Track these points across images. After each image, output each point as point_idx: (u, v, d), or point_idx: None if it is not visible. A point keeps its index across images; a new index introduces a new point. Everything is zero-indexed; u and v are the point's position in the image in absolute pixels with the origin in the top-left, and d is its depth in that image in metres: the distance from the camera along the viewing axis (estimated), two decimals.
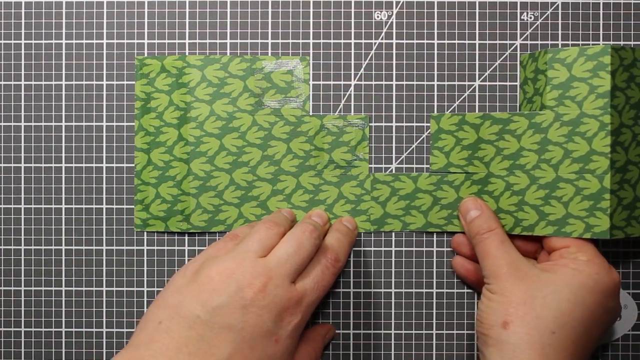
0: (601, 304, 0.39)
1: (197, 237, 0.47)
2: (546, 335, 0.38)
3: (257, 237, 0.39)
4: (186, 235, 0.47)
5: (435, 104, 0.46)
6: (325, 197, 0.45)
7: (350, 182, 0.46)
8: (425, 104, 0.46)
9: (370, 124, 0.46)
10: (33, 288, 0.47)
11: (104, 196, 0.47)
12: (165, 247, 0.47)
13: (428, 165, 0.46)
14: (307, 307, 0.38)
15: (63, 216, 0.47)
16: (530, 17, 0.47)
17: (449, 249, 0.47)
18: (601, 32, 0.46)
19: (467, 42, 0.47)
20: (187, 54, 0.47)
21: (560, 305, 0.38)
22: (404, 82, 0.47)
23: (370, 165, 0.46)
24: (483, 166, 0.44)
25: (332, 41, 0.47)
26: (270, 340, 0.37)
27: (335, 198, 0.46)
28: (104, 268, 0.47)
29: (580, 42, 0.47)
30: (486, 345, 0.39)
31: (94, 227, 0.47)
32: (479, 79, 0.46)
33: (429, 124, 0.46)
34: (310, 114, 0.46)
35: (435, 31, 0.47)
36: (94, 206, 0.47)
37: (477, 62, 0.47)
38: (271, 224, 0.40)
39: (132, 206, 0.46)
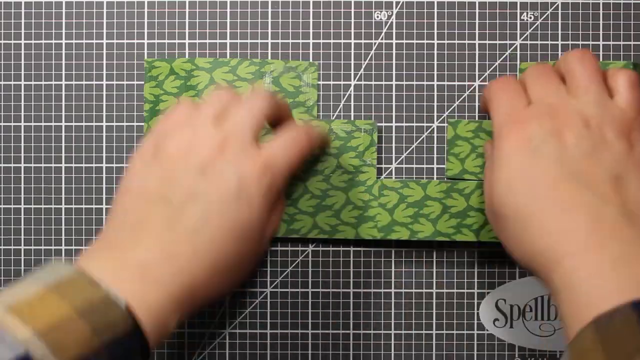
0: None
1: None
2: None
3: (212, 102, 0.38)
4: None
5: (435, 104, 0.46)
6: (332, 202, 0.45)
7: (359, 188, 0.45)
8: (425, 104, 0.46)
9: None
10: None
11: (104, 196, 0.47)
12: None
13: (429, 166, 0.46)
14: (279, 170, 0.37)
15: (63, 216, 0.47)
16: (530, 17, 0.47)
17: (449, 248, 0.47)
18: (601, 32, 0.46)
19: (467, 42, 0.47)
20: (187, 54, 0.47)
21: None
22: (404, 82, 0.47)
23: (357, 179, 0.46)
24: None
25: (332, 41, 0.47)
26: (240, 203, 0.35)
27: (342, 203, 0.45)
28: None
29: (580, 43, 0.47)
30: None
31: (94, 227, 0.47)
32: (479, 79, 0.46)
33: (429, 124, 0.46)
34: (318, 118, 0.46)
35: (435, 31, 0.47)
36: (94, 206, 0.47)
37: (477, 62, 0.47)
38: (226, 89, 0.39)
39: None
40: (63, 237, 0.47)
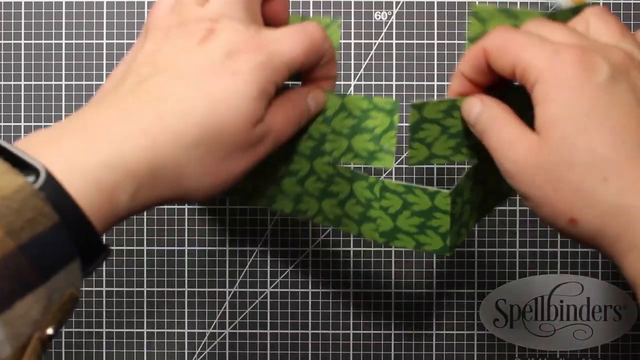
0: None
1: (197, 237, 0.47)
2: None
3: None
4: (186, 235, 0.47)
5: None
6: (337, 190, 0.39)
7: (361, 183, 0.39)
8: None
9: None
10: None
11: None
12: (165, 247, 0.47)
13: (429, 166, 0.46)
14: (279, 56, 0.31)
15: None
16: None
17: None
18: None
19: (467, 42, 0.46)
20: None
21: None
22: (404, 82, 0.47)
23: (369, 166, 0.44)
24: (472, 153, 0.38)
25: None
26: (222, 76, 0.30)
27: (347, 194, 0.39)
28: (104, 268, 0.47)
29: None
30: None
31: None
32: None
33: None
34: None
35: (435, 31, 0.47)
36: None
37: None
38: None
39: None
40: None
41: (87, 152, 0.27)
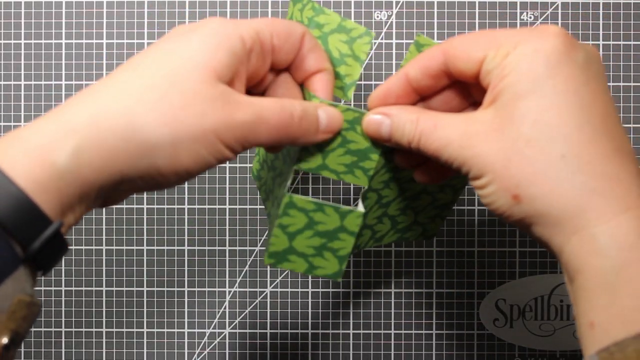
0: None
1: (197, 237, 0.47)
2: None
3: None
4: (186, 235, 0.47)
5: None
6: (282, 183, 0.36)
7: (282, 189, 0.35)
8: None
9: None
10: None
11: None
12: (165, 247, 0.47)
13: None
14: (241, 20, 0.31)
15: None
16: (530, 17, 0.47)
17: (449, 248, 0.47)
18: (601, 32, 0.46)
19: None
20: None
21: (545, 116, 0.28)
22: None
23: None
24: (365, 179, 0.35)
25: None
26: (182, 33, 0.30)
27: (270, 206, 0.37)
28: (104, 268, 0.47)
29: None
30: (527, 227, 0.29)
31: (93, 227, 0.47)
32: None
33: None
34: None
35: (435, 31, 0.47)
36: None
37: None
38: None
39: (132, 205, 0.46)
40: None
41: (26, 125, 0.26)
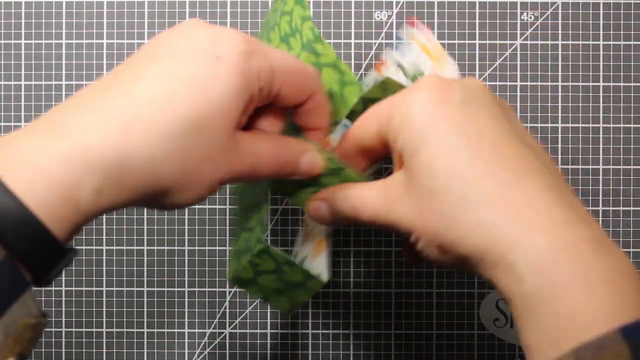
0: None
1: (197, 237, 0.47)
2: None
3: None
4: (186, 235, 0.47)
5: None
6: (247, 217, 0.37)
7: (255, 233, 0.35)
8: None
9: None
10: (33, 288, 0.47)
11: None
12: (165, 247, 0.47)
13: None
14: (262, 47, 0.29)
15: None
16: (530, 17, 0.47)
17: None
18: (601, 32, 0.46)
19: (467, 42, 0.47)
20: None
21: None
22: None
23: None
24: None
25: (332, 41, 0.47)
26: (204, 58, 0.28)
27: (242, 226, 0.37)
28: (104, 268, 0.47)
29: (580, 42, 0.47)
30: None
31: (93, 227, 0.47)
32: (479, 79, 0.46)
33: None
34: None
35: (435, 31, 0.47)
36: None
37: (477, 62, 0.47)
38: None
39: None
40: None
41: (43, 147, 0.25)
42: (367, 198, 0.32)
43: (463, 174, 0.28)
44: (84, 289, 0.47)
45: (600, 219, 0.46)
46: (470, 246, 0.28)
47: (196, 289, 0.47)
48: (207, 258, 0.47)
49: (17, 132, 0.26)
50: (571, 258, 0.26)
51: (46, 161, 0.25)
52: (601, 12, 0.47)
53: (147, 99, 0.26)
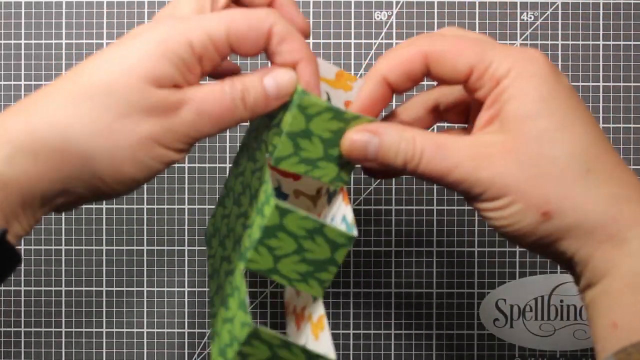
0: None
1: (197, 237, 0.47)
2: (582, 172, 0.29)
3: None
4: (186, 235, 0.47)
5: None
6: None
7: (234, 300, 0.32)
8: None
9: None
10: (33, 288, 0.47)
11: None
12: (165, 247, 0.47)
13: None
14: (192, 20, 0.30)
15: (63, 216, 0.47)
16: (530, 17, 0.47)
17: (449, 248, 0.47)
18: (601, 32, 0.46)
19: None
20: None
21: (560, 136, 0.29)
22: None
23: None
24: (320, 290, 0.33)
25: (332, 41, 0.47)
26: (123, 39, 0.30)
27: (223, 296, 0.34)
28: (104, 268, 0.47)
29: (580, 43, 0.46)
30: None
31: (94, 227, 0.47)
32: None
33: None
34: None
35: (435, 31, 0.47)
36: (93, 206, 0.47)
37: None
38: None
39: (132, 205, 0.46)
40: (63, 237, 0.47)
41: None
42: (446, 146, 0.30)
43: (587, 149, 0.29)
44: (84, 289, 0.47)
45: None
46: (586, 217, 0.28)
47: (196, 289, 0.47)
48: (207, 258, 0.47)
49: None
50: None
51: None
52: (601, 12, 0.46)
53: (63, 77, 0.29)
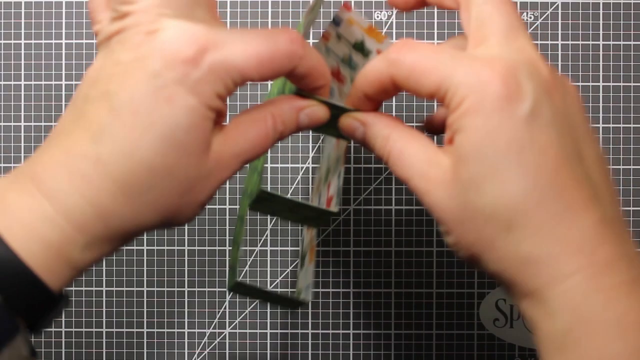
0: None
1: (197, 237, 0.47)
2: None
3: None
4: (186, 235, 0.47)
5: (435, 104, 0.46)
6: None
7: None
8: (425, 104, 0.46)
9: None
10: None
11: None
12: (165, 247, 0.47)
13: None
14: (219, 60, 0.27)
15: None
16: (530, 17, 0.47)
17: (449, 249, 0.47)
18: (601, 32, 0.46)
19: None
20: None
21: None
22: None
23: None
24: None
25: None
26: (157, 101, 0.26)
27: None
28: (104, 268, 0.47)
29: (580, 43, 0.47)
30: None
31: None
32: None
33: None
34: None
35: (435, 31, 0.47)
36: None
37: None
38: None
39: None
40: None
41: (33, 208, 0.26)
42: (407, 154, 0.30)
43: (513, 204, 0.27)
44: (84, 289, 0.47)
45: None
46: (505, 271, 0.28)
47: (196, 289, 0.47)
48: (207, 258, 0.47)
49: (5, 180, 0.27)
50: (606, 301, 0.26)
51: (39, 225, 0.26)
52: (601, 12, 0.46)
53: (111, 157, 0.27)
